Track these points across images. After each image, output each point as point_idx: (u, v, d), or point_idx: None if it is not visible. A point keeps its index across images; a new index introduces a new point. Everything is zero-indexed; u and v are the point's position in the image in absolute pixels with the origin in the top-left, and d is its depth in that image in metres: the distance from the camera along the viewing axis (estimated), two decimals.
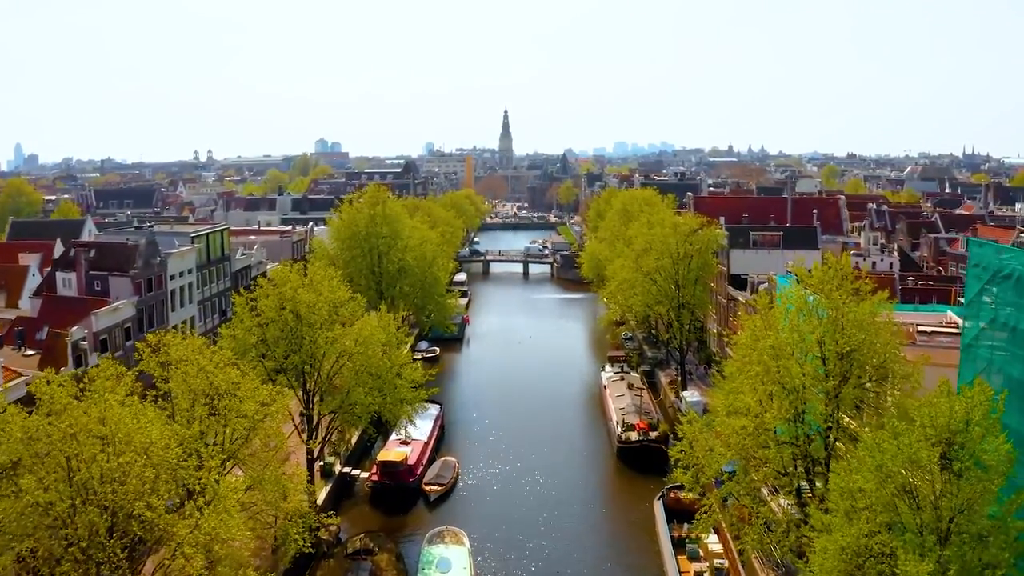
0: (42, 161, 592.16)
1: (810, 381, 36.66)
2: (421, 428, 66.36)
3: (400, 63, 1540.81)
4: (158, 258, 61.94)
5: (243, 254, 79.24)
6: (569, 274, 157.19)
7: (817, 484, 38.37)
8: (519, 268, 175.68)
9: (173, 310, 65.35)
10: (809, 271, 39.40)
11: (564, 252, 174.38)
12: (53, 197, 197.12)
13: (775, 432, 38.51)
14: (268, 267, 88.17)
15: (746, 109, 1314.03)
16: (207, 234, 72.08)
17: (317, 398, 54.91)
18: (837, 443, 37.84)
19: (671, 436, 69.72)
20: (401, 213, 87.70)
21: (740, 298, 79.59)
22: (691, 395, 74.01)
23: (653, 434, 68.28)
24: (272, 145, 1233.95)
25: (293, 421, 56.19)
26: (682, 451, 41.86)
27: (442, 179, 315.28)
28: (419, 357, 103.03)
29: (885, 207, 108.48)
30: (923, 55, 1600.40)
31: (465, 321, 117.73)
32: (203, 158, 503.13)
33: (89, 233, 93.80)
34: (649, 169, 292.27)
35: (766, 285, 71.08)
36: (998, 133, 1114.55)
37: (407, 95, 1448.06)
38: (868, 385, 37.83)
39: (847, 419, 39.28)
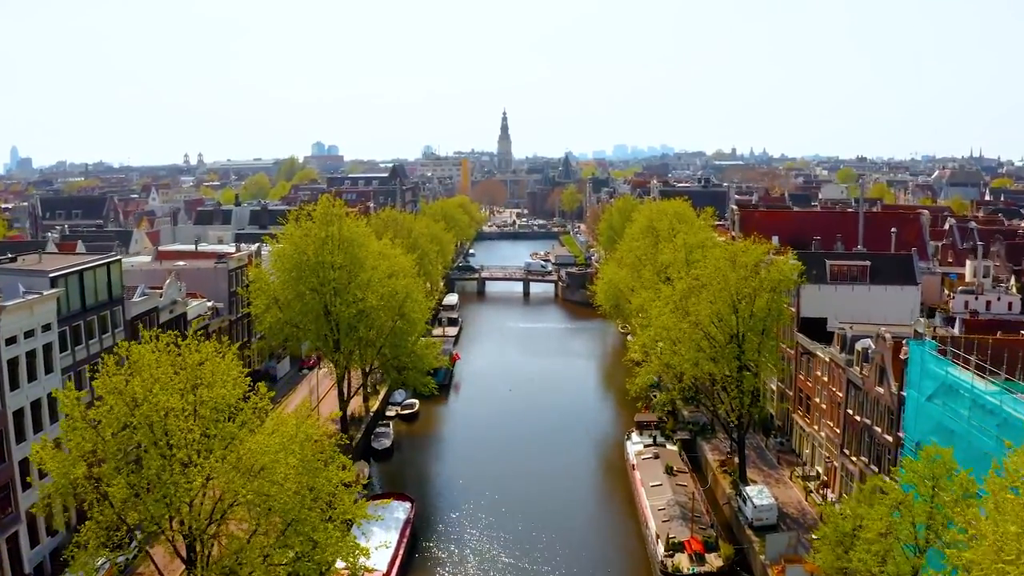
0: (36, 164, 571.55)
1: None
2: (380, 548, 46.23)
3: (399, 66, 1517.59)
4: None
5: (144, 293, 57.93)
6: (576, 295, 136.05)
7: None
8: (519, 287, 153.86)
9: (15, 388, 44.46)
10: None
11: (570, 268, 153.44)
12: (10, 206, 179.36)
13: None
14: (190, 307, 67.33)
15: (746, 112, 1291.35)
16: (80, 271, 50.69)
17: (201, 549, 34.34)
18: None
19: (736, 563, 49.12)
20: (363, 235, 66.53)
21: (819, 353, 58.80)
22: (759, 494, 52.91)
23: (713, 560, 47.75)
24: (270, 148, 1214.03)
25: None
26: None
27: (436, 184, 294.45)
28: (393, 414, 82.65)
29: (973, 223, 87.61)
30: (922, 57, 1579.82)
31: (453, 360, 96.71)
32: (193, 161, 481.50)
33: None
34: (654, 172, 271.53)
35: (871, 346, 50.23)
36: (1000, 135, 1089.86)
37: (406, 98, 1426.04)
38: None
39: None
